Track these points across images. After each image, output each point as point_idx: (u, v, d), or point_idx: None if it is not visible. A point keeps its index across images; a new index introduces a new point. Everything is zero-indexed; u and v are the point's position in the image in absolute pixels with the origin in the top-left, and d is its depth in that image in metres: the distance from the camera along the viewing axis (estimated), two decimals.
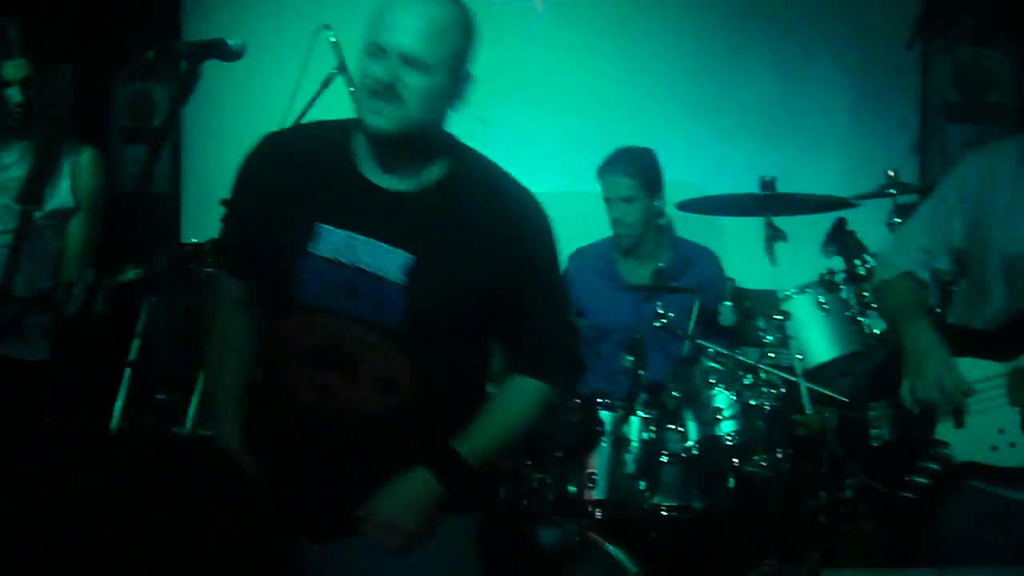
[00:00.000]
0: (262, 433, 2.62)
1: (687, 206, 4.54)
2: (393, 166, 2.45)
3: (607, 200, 4.73)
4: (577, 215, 5.12)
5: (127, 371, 4.61)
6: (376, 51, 2.35)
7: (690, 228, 4.96)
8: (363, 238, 2.43)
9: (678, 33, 5.69)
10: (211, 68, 2.56)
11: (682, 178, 4.93)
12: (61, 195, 3.95)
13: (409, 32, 2.33)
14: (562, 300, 2.64)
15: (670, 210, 4.72)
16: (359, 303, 2.42)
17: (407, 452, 2.48)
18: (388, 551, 2.46)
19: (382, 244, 2.42)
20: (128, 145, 6.20)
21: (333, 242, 2.43)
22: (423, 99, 2.35)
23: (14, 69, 3.82)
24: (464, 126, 5.68)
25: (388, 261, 2.41)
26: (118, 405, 4.55)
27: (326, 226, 2.44)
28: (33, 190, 3.90)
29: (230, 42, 2.58)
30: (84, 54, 5.38)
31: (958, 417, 2.94)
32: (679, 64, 5.69)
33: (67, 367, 3.93)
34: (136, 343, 4.67)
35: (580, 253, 4.93)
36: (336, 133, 2.53)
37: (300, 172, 2.51)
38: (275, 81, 4.72)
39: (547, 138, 5.74)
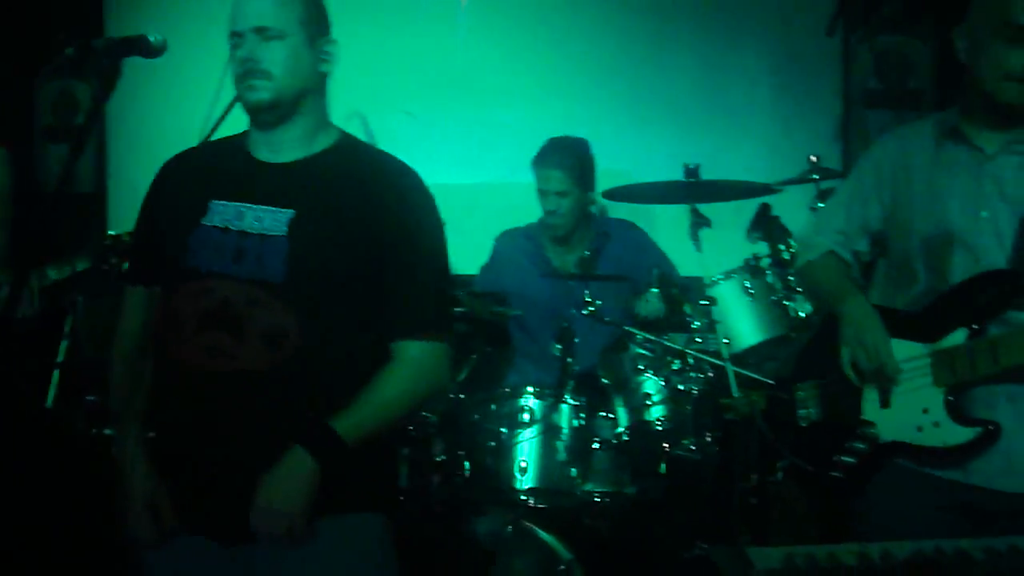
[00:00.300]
0: (163, 410, 2.61)
1: (613, 194, 4.57)
2: (278, 143, 2.61)
3: (541, 192, 4.74)
4: (506, 206, 5.17)
5: (56, 373, 4.57)
6: (236, 40, 2.56)
7: (618, 215, 5.00)
8: (252, 205, 2.57)
9: (603, 24, 5.71)
10: (136, 66, 2.57)
11: (609, 167, 4.95)
12: None
13: (255, 10, 2.56)
14: (441, 264, 2.68)
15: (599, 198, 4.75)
16: (244, 263, 2.51)
17: (298, 411, 2.49)
18: (277, 537, 2.44)
19: (268, 207, 2.56)
20: (52, 144, 6.11)
21: (223, 213, 2.57)
22: (286, 63, 2.55)
23: None
24: (392, 119, 5.74)
25: (272, 219, 2.54)
26: (47, 407, 4.50)
27: (218, 201, 2.59)
28: None
29: (151, 38, 2.58)
30: (5, 52, 5.32)
31: (884, 396, 2.96)
32: (605, 54, 5.71)
33: None
34: (64, 344, 4.63)
35: (508, 235, 4.95)
36: (233, 138, 2.72)
37: (197, 170, 2.69)
38: (200, 79, 4.67)
39: (475, 130, 5.76)
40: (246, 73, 2.54)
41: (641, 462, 4.14)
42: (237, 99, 2.63)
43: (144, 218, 2.75)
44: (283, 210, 2.54)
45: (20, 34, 5.60)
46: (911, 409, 2.92)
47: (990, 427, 2.81)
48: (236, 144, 2.69)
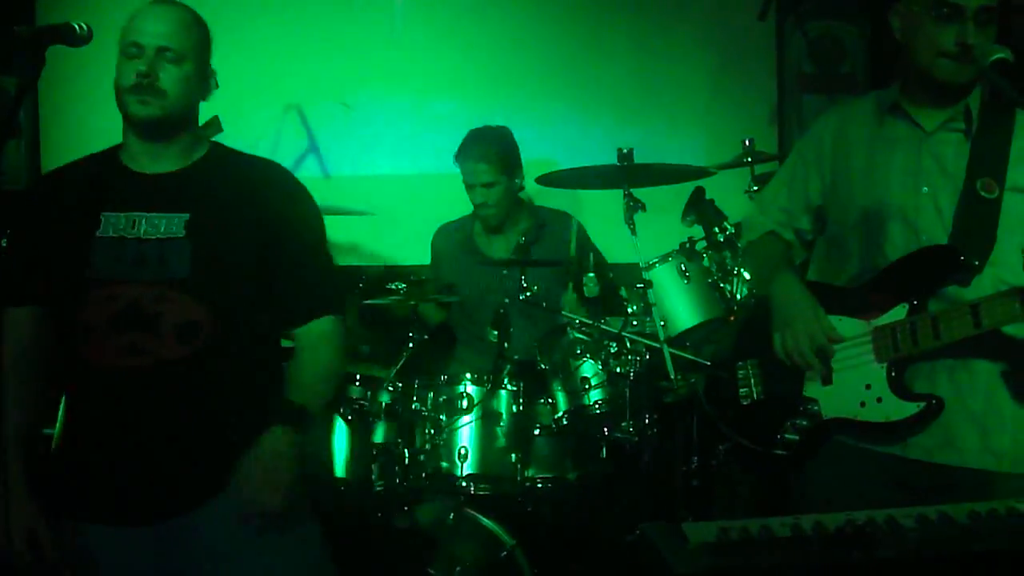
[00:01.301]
0: (82, 412, 2.71)
1: (547, 180, 4.56)
2: (159, 157, 2.74)
3: (468, 185, 4.75)
4: (443, 197, 5.16)
5: None
6: (134, 50, 2.67)
7: (552, 203, 5.01)
8: (143, 213, 2.69)
9: (537, 11, 5.72)
10: (71, 61, 2.57)
11: (545, 155, 4.96)
12: None
13: (160, 30, 2.68)
14: (323, 247, 2.90)
15: (530, 185, 4.74)
16: (147, 267, 2.65)
17: (216, 394, 2.66)
18: (271, 509, 2.58)
19: (161, 214, 2.69)
20: None
21: (116, 223, 2.69)
22: (180, 85, 2.69)
23: None
24: (329, 110, 5.72)
25: (168, 224, 2.68)
26: None
27: (109, 213, 2.70)
28: None
29: (75, 26, 2.57)
30: None
31: (826, 374, 2.98)
32: (539, 41, 5.71)
33: None
34: None
35: (443, 230, 4.96)
36: (102, 153, 2.83)
37: (74, 185, 2.78)
38: None
39: (410, 121, 5.74)
40: (140, 87, 2.65)
41: (582, 447, 4.15)
42: (125, 117, 2.71)
43: (24, 239, 2.79)
44: (177, 214, 2.69)
45: None
46: (853, 385, 2.94)
47: (933, 401, 2.84)
48: (110, 158, 2.80)
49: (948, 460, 2.88)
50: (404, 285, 4.45)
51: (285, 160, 4.50)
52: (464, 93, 5.70)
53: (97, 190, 2.74)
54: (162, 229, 2.67)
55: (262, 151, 3.16)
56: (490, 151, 4.69)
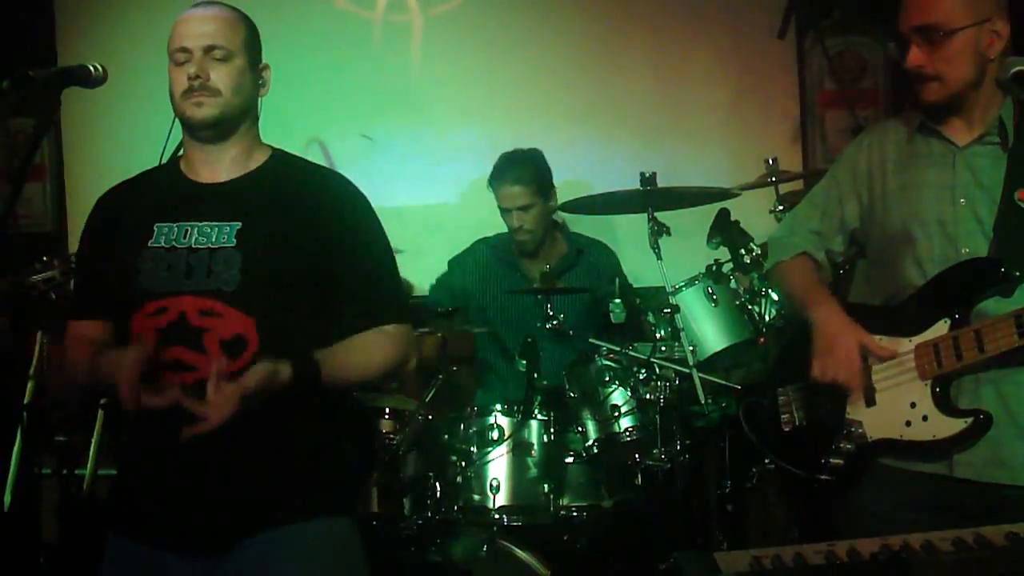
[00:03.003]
0: (133, 434, 2.70)
1: (571, 207, 4.56)
2: (215, 165, 2.71)
3: (503, 210, 4.72)
4: (465, 226, 5.16)
5: (24, 414, 4.53)
6: (182, 56, 2.65)
7: (575, 227, 5.00)
8: (196, 223, 2.65)
9: (555, 37, 5.69)
10: (94, 102, 2.57)
11: (567, 180, 4.94)
12: None
13: (205, 30, 2.66)
14: (389, 257, 2.82)
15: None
16: (195, 278, 2.59)
17: (259, 416, 2.51)
18: (224, 397, 2.44)
19: (213, 223, 2.65)
20: (9, 183, 6.06)
21: (168, 233, 2.65)
22: (232, 83, 2.66)
23: None
24: (351, 144, 5.73)
25: (219, 233, 2.63)
26: (16, 448, 4.47)
27: (162, 223, 2.66)
28: None
29: (90, 67, 2.59)
30: None
31: (868, 395, 2.94)
32: (558, 68, 5.69)
33: None
34: (31, 385, 4.59)
35: (486, 241, 4.93)
36: (167, 164, 2.85)
37: (136, 199, 2.76)
38: (157, 113, 4.67)
39: (432, 151, 5.74)
40: (194, 90, 2.62)
41: (614, 474, 4.12)
42: (183, 124, 2.69)
43: (87, 254, 2.81)
44: (229, 223, 2.63)
45: None
46: (897, 405, 2.90)
47: (980, 416, 2.80)
48: (171, 170, 2.79)
49: (997, 478, 2.83)
50: (429, 315, 4.44)
51: None
52: (484, 122, 5.69)
53: (153, 200, 2.71)
54: (213, 239, 2.62)
55: None
56: (525, 173, 4.67)
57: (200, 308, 2.57)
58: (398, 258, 2.85)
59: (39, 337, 4.62)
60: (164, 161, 3.79)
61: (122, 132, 5.75)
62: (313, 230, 2.67)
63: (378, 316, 2.73)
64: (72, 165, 6.05)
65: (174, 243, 2.63)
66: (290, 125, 5.30)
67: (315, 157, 5.62)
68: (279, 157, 2.80)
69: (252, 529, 2.58)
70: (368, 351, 2.71)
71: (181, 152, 2.81)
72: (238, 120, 2.70)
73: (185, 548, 2.58)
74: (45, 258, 4.04)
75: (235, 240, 2.61)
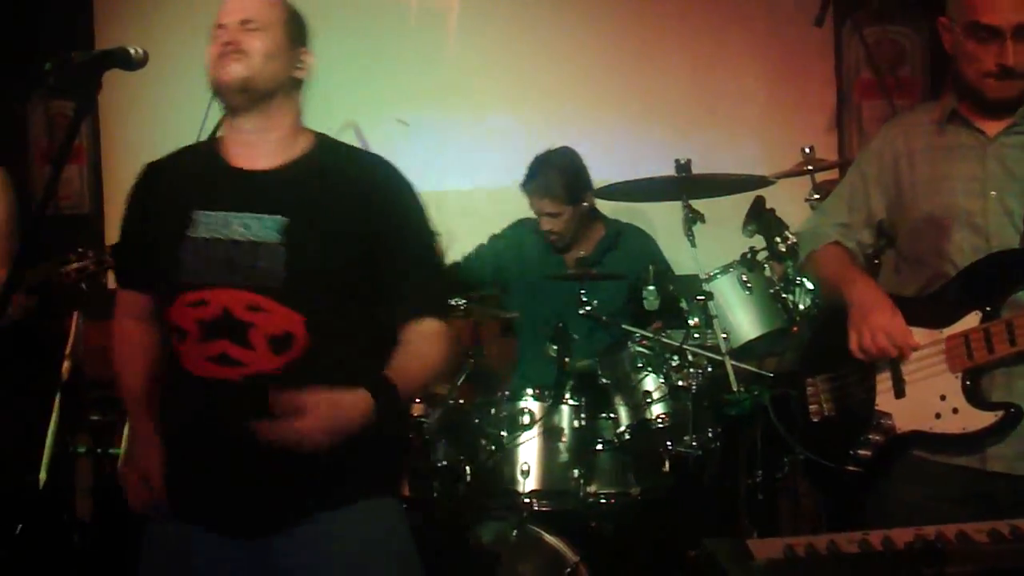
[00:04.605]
0: (174, 421, 2.69)
1: (605, 193, 4.56)
2: (256, 150, 2.67)
3: (535, 212, 4.75)
4: (501, 211, 5.16)
5: (58, 392, 4.58)
6: (219, 32, 2.65)
7: (610, 214, 4.99)
8: (237, 214, 2.60)
9: (592, 24, 5.68)
10: (129, 83, 2.58)
11: (602, 167, 4.93)
12: None
13: (243, 5, 2.66)
14: (433, 250, 2.79)
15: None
16: (239, 271, 2.56)
17: None
18: (293, 442, 2.43)
19: (255, 215, 2.59)
20: (49, 165, 6.11)
21: (208, 223, 2.61)
22: (264, 52, 2.62)
23: None
24: (386, 128, 5.74)
25: (263, 227, 2.58)
26: (51, 427, 4.51)
27: (202, 211, 2.62)
28: None
29: (131, 50, 2.59)
30: None
31: (898, 386, 2.94)
32: (594, 54, 5.68)
33: None
34: (67, 364, 4.64)
35: (525, 224, 4.92)
36: (204, 144, 2.81)
37: (175, 179, 2.73)
38: (193, 95, 4.68)
39: (467, 136, 5.76)
40: (223, 55, 2.61)
41: (645, 461, 4.12)
42: (214, 91, 2.66)
43: (128, 229, 2.81)
44: (272, 216, 2.58)
45: (11, 55, 5.58)
46: (927, 397, 2.90)
47: (1011, 410, 2.80)
48: (210, 152, 2.74)
49: None
50: (464, 301, 4.45)
51: None
52: (519, 108, 5.70)
53: (192, 185, 2.68)
54: (255, 231, 2.57)
55: None
56: (554, 184, 4.66)
57: (245, 303, 2.54)
58: None
59: (76, 317, 4.66)
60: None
61: (158, 115, 5.79)
62: (360, 224, 2.63)
63: (422, 311, 2.70)
64: (108, 148, 6.11)
65: (215, 234, 2.59)
66: (325, 109, 5.22)
67: (350, 141, 5.64)
68: (323, 144, 2.74)
69: (303, 511, 2.58)
70: (425, 357, 2.69)
71: (220, 132, 2.77)
72: (268, 90, 2.64)
73: (235, 530, 2.60)
74: (80, 249, 4.05)
75: (280, 235, 2.57)
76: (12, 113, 5.98)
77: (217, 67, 2.61)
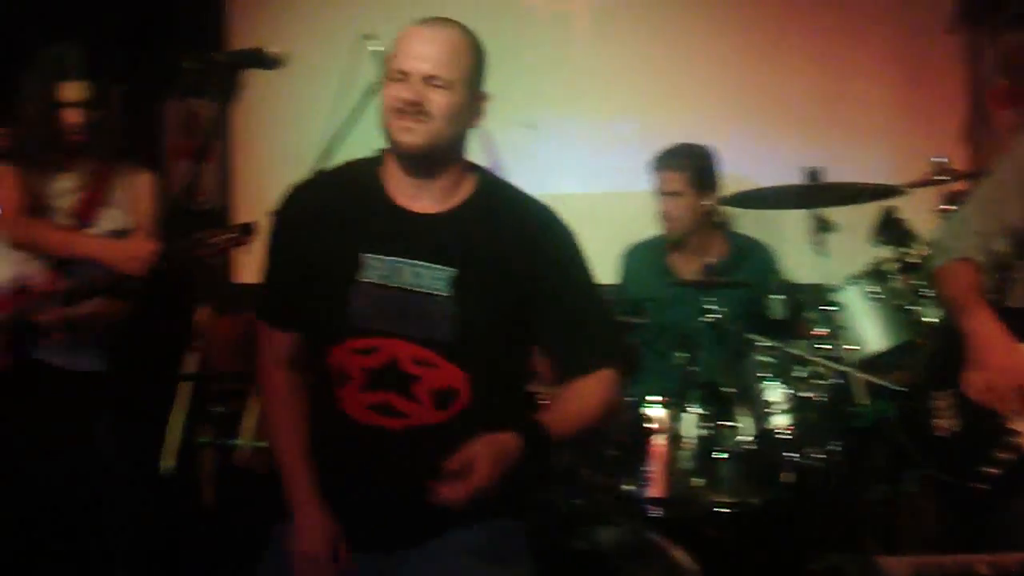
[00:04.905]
0: (327, 457, 2.68)
1: (731, 201, 4.54)
2: (423, 192, 2.60)
3: (657, 195, 4.74)
4: (627, 215, 5.16)
5: (185, 384, 4.69)
6: (400, 77, 2.53)
7: (740, 223, 4.95)
8: (407, 260, 2.56)
9: (720, 28, 5.67)
10: (258, 80, 2.59)
11: (729, 173, 4.90)
12: (116, 218, 3.98)
13: (429, 55, 2.53)
14: (598, 298, 2.76)
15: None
16: (409, 322, 2.54)
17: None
18: (459, 496, 2.41)
19: (424, 263, 2.56)
20: (181, 162, 6.24)
21: (379, 268, 2.56)
22: (447, 114, 2.52)
23: (75, 90, 3.82)
24: (513, 132, 5.79)
25: (432, 278, 2.55)
26: (179, 417, 4.62)
27: (371, 255, 2.57)
28: (89, 213, 3.95)
29: (268, 50, 2.63)
30: (134, 74, 5.45)
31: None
32: (722, 60, 5.67)
33: (123, 378, 3.98)
34: (193, 356, 4.75)
35: (634, 250, 4.93)
36: (362, 170, 2.69)
37: (335, 211, 2.65)
38: (320, 91, 4.77)
39: (593, 140, 5.78)
40: (404, 113, 2.51)
41: (767, 472, 4.09)
42: (372, 91, 2.61)
43: (278, 261, 2.73)
44: (442, 267, 2.56)
45: (147, 55, 5.71)
46: None
47: None
48: (372, 184, 2.65)
49: None
50: None
51: None
52: (645, 112, 5.70)
53: (358, 223, 2.61)
54: (426, 281, 2.55)
55: None
56: (682, 162, 4.67)
57: (414, 356, 2.53)
58: None
59: (204, 311, 4.76)
60: (332, 145, 3.84)
61: (287, 116, 5.89)
62: (526, 277, 2.59)
63: (591, 364, 2.66)
64: (238, 147, 6.23)
65: (385, 281, 2.55)
66: None
67: (477, 144, 5.69)
68: (486, 187, 2.67)
69: (441, 528, 2.58)
70: (587, 400, 2.65)
71: (380, 163, 2.66)
72: (446, 152, 2.58)
73: (371, 544, 2.61)
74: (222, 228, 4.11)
75: (450, 289, 2.54)
76: (149, 112, 6.11)
77: (397, 127, 2.52)
